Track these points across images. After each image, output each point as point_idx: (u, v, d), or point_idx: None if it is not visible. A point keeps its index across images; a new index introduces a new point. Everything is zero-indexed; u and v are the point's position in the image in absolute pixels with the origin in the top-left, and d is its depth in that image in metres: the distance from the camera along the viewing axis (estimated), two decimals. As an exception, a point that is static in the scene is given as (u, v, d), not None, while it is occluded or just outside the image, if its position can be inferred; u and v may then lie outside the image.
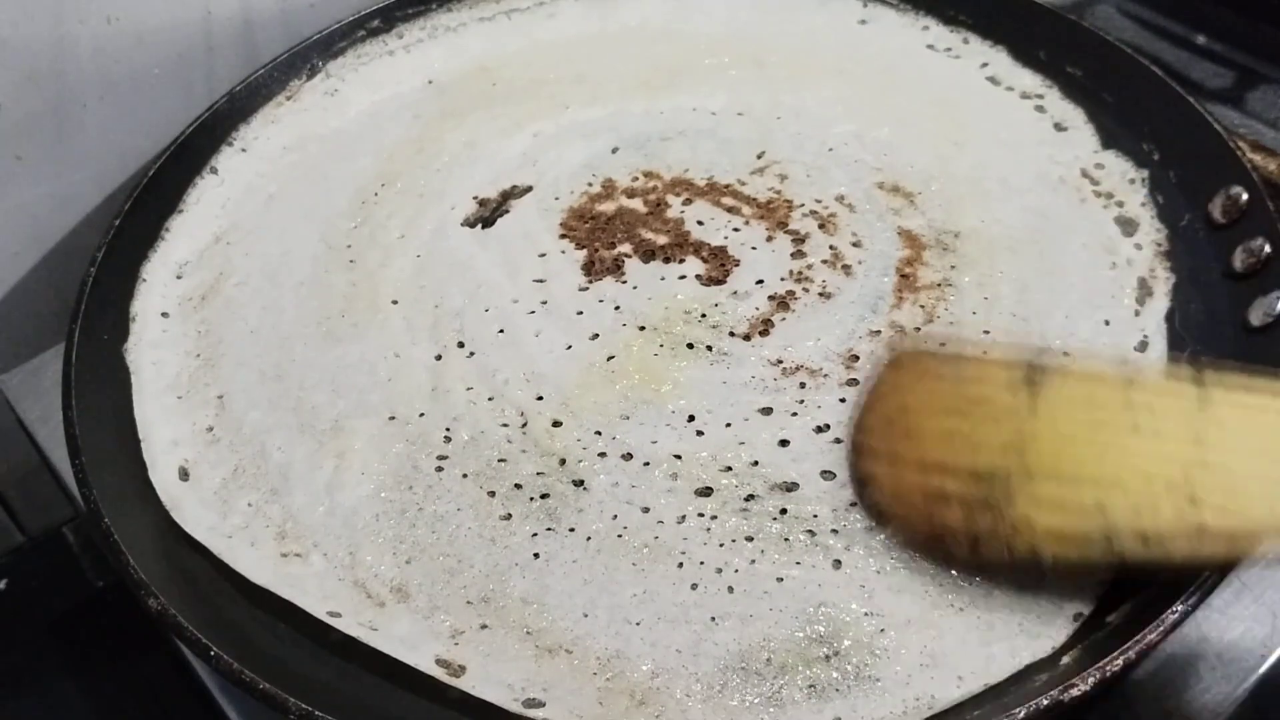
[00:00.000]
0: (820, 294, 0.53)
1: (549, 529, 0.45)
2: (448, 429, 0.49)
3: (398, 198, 0.59)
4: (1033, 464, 0.40)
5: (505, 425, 0.49)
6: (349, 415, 0.49)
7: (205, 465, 0.48)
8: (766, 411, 0.48)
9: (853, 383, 0.49)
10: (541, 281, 0.54)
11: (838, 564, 0.43)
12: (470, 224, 0.57)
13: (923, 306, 0.52)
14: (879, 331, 0.51)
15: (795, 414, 0.48)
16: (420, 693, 0.41)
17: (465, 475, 0.47)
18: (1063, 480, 0.40)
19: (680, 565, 0.44)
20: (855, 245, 0.55)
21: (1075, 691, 0.37)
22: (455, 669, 0.41)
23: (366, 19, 0.66)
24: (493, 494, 0.46)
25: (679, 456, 0.47)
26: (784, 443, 0.47)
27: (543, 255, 0.55)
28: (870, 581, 0.43)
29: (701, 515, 0.45)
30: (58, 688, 0.54)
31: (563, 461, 0.47)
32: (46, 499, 0.59)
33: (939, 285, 0.53)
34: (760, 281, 0.53)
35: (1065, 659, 0.40)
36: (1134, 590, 0.41)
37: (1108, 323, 0.51)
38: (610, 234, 0.56)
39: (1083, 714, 0.43)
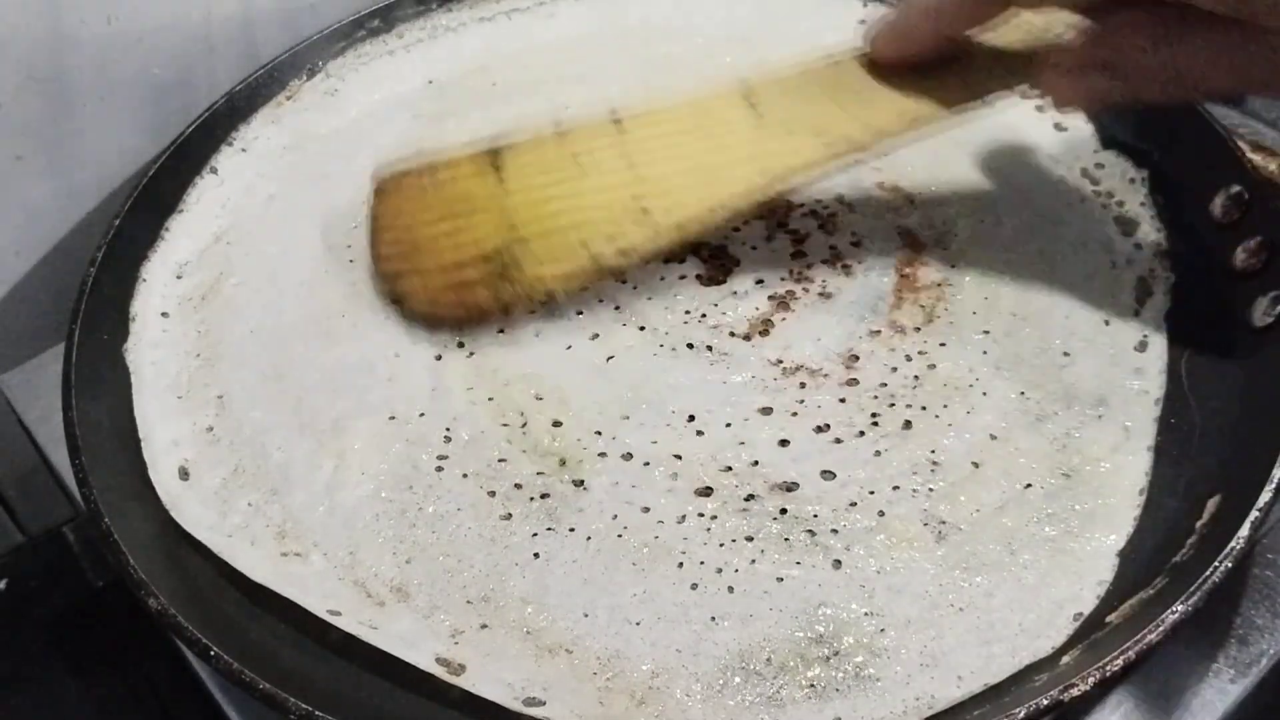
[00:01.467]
0: (820, 294, 0.53)
1: (549, 529, 0.45)
2: (448, 429, 0.49)
3: (398, 198, 0.59)
4: (523, 231, 0.49)
5: (505, 425, 0.49)
6: (349, 415, 0.49)
7: (205, 465, 0.48)
8: (766, 411, 0.48)
9: (853, 383, 0.49)
10: (541, 281, 0.54)
11: (838, 564, 0.43)
12: (470, 224, 0.57)
13: (923, 306, 0.52)
14: (879, 331, 0.51)
15: (795, 414, 0.48)
16: (420, 693, 0.41)
17: (465, 475, 0.47)
18: (549, 235, 0.48)
19: (680, 565, 0.44)
20: (855, 245, 0.55)
21: (1075, 691, 0.37)
22: (455, 667, 0.41)
23: (366, 19, 0.66)
24: (493, 494, 0.46)
25: (679, 456, 0.47)
26: (784, 443, 0.47)
27: (543, 255, 0.55)
28: (870, 581, 0.43)
29: (701, 515, 0.45)
30: (58, 688, 0.54)
31: (563, 461, 0.47)
32: (46, 499, 0.59)
33: (939, 285, 0.53)
34: (760, 281, 0.53)
35: (1065, 659, 0.40)
36: (1134, 590, 0.41)
37: (1108, 323, 0.51)
38: (610, 234, 0.56)
39: (1083, 714, 0.43)
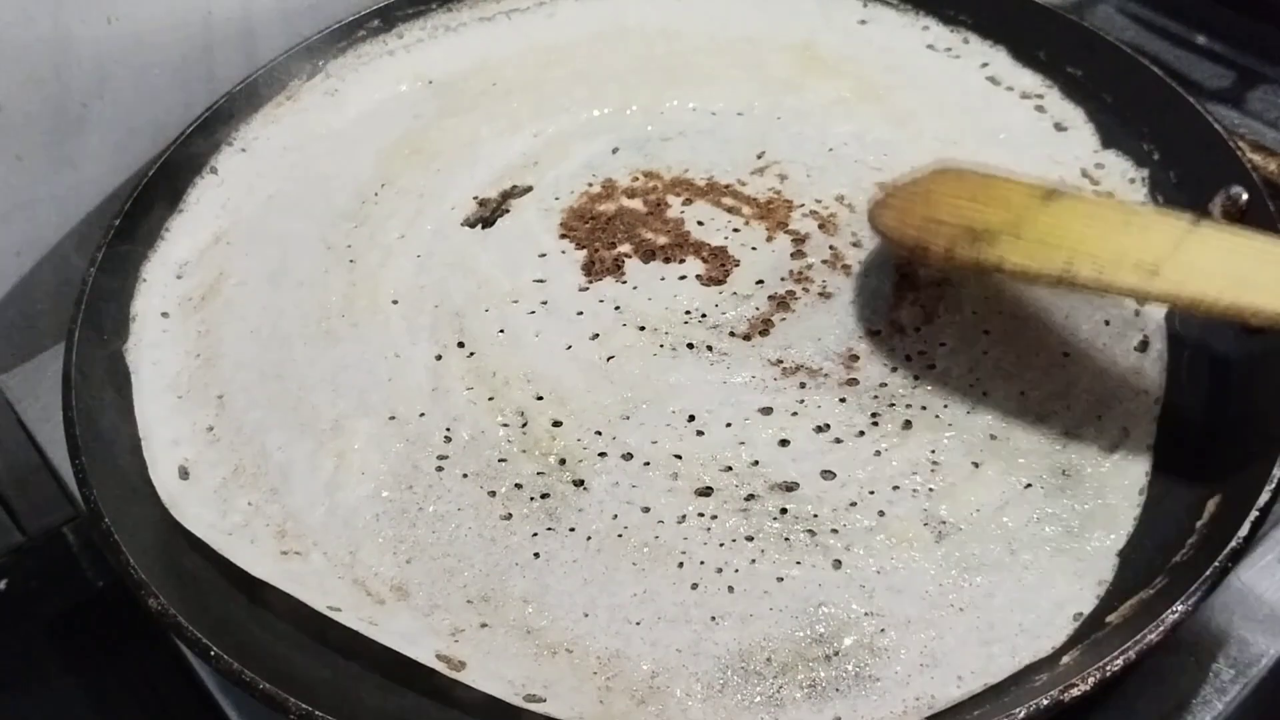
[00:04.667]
0: (820, 294, 0.53)
1: (549, 529, 0.45)
2: (448, 429, 0.49)
3: (398, 198, 0.59)
4: (1024, 233, 0.47)
5: (505, 425, 0.49)
6: (349, 415, 0.49)
7: (205, 465, 0.48)
8: (766, 411, 0.48)
9: (853, 383, 0.49)
10: (541, 281, 0.54)
11: (838, 564, 0.43)
12: (470, 224, 0.58)
13: (923, 306, 0.52)
14: (879, 331, 0.51)
15: (795, 414, 0.48)
16: (420, 693, 0.41)
17: (465, 475, 0.47)
18: (1044, 244, 0.46)
19: (680, 565, 0.44)
20: (855, 245, 0.55)
21: (1075, 691, 0.37)
22: (455, 664, 0.41)
23: (366, 19, 0.66)
24: (493, 494, 0.46)
25: (679, 456, 0.47)
26: (784, 443, 0.47)
27: (543, 255, 0.55)
28: (870, 581, 0.43)
29: (701, 515, 0.45)
30: (58, 688, 0.54)
31: (563, 461, 0.47)
32: (46, 499, 0.59)
33: (939, 285, 0.53)
34: (760, 281, 0.53)
35: (1065, 659, 0.40)
36: (1134, 590, 0.41)
37: (1107, 322, 0.51)
38: (610, 234, 0.56)
39: (1083, 714, 0.43)
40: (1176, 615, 0.38)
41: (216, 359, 0.52)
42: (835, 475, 0.46)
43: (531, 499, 0.46)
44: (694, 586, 0.43)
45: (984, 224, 0.48)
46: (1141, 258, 0.45)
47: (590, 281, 0.54)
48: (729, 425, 0.48)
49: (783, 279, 0.53)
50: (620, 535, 0.45)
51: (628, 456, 0.47)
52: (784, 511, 0.45)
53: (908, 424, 0.48)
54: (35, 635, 0.56)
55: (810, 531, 0.44)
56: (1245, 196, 0.51)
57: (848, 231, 0.55)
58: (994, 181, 0.51)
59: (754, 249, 0.55)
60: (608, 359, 0.51)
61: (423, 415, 0.49)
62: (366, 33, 0.66)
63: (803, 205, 0.57)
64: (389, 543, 0.45)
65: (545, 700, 0.40)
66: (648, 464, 0.47)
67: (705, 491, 0.46)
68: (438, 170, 0.60)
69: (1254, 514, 0.40)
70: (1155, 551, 0.43)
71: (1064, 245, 0.46)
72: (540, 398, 0.49)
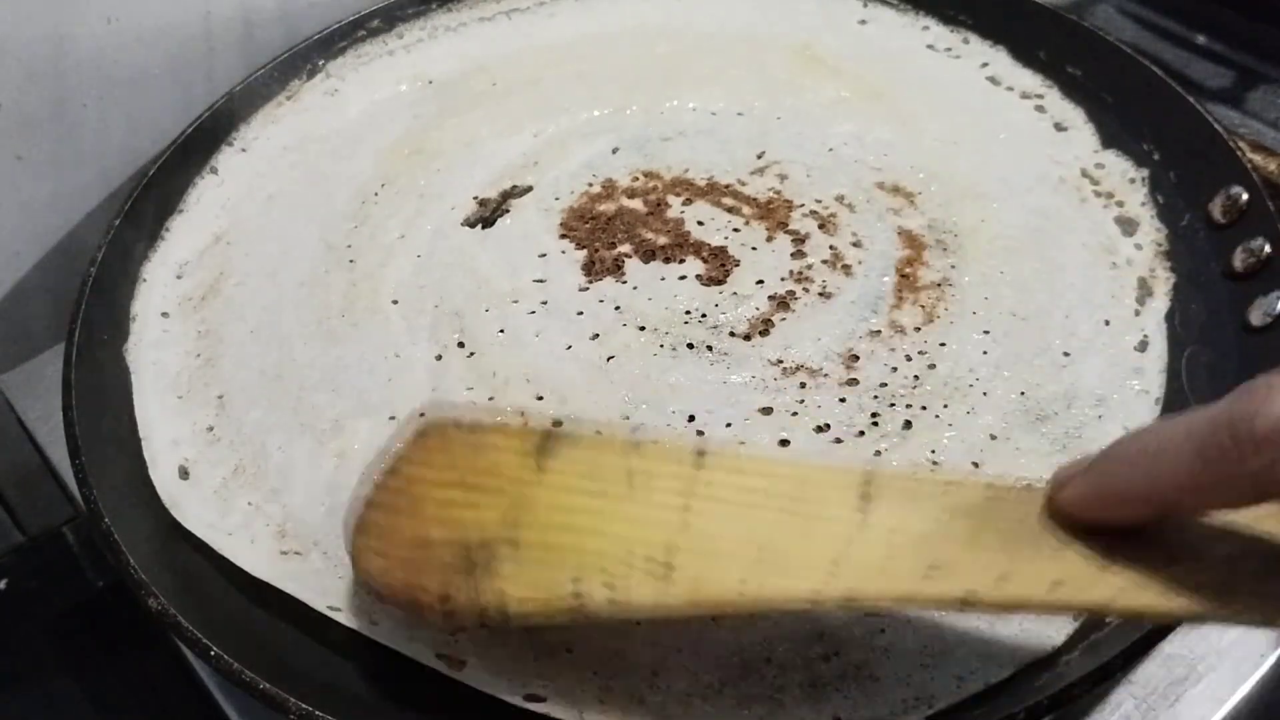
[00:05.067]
0: (820, 294, 0.53)
1: (549, 529, 0.45)
2: (448, 429, 0.49)
3: (398, 198, 0.59)
4: (521, 537, 0.38)
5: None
6: (349, 415, 0.49)
7: (205, 464, 0.48)
8: (766, 411, 0.48)
9: (853, 383, 0.49)
10: (541, 281, 0.54)
11: (838, 564, 0.43)
12: (470, 224, 0.58)
13: (923, 306, 0.52)
14: (879, 331, 0.51)
15: (795, 414, 0.48)
16: (420, 693, 0.41)
17: (465, 475, 0.47)
18: (545, 558, 0.38)
19: (680, 565, 0.44)
20: (855, 245, 0.55)
21: (1075, 691, 0.37)
22: (455, 663, 0.41)
23: (366, 19, 0.66)
24: (493, 494, 0.46)
25: (679, 456, 0.47)
26: (784, 443, 0.47)
27: (543, 255, 0.55)
28: (870, 581, 0.43)
29: (701, 515, 0.45)
30: (58, 688, 0.54)
31: (563, 461, 0.47)
32: (46, 499, 0.59)
33: (939, 285, 0.53)
34: (760, 281, 0.53)
35: (1065, 659, 0.40)
36: (1134, 590, 0.41)
37: (1108, 323, 0.51)
38: (610, 234, 0.56)
39: (1083, 714, 0.43)
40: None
41: (216, 359, 0.52)
42: (835, 475, 0.46)
43: (531, 499, 0.46)
44: (694, 586, 0.43)
45: (478, 535, 0.38)
46: (650, 542, 0.37)
47: (590, 281, 0.54)
48: (729, 425, 0.48)
49: (783, 279, 0.53)
50: (620, 535, 0.45)
51: (628, 456, 0.47)
52: (784, 511, 0.45)
53: (908, 424, 0.48)
54: (35, 635, 0.56)
55: (810, 531, 0.44)
56: (1245, 196, 0.51)
57: (848, 231, 0.55)
58: (484, 441, 0.40)
59: (754, 249, 0.55)
60: (608, 359, 0.51)
61: (422, 415, 0.49)
62: (366, 33, 0.66)
63: (803, 205, 0.57)
64: (389, 543, 0.45)
65: (545, 700, 0.40)
66: (648, 464, 0.47)
67: (705, 491, 0.46)
68: (438, 170, 0.60)
69: (1254, 514, 0.40)
70: (1155, 551, 0.43)
71: (566, 551, 0.37)
72: (540, 398, 0.49)
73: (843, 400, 0.49)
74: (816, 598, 0.35)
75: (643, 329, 0.52)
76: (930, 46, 0.65)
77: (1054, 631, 0.41)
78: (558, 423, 0.40)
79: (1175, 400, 0.48)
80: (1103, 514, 0.33)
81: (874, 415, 0.48)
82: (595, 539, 0.38)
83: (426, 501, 0.40)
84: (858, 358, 0.50)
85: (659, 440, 0.39)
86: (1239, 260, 0.50)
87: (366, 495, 0.40)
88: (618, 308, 0.53)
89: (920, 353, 0.50)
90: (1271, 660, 0.44)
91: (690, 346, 0.51)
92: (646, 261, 0.54)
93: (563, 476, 0.39)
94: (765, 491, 0.38)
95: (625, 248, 0.55)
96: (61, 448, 0.47)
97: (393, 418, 0.49)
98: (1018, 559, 0.34)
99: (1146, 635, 0.38)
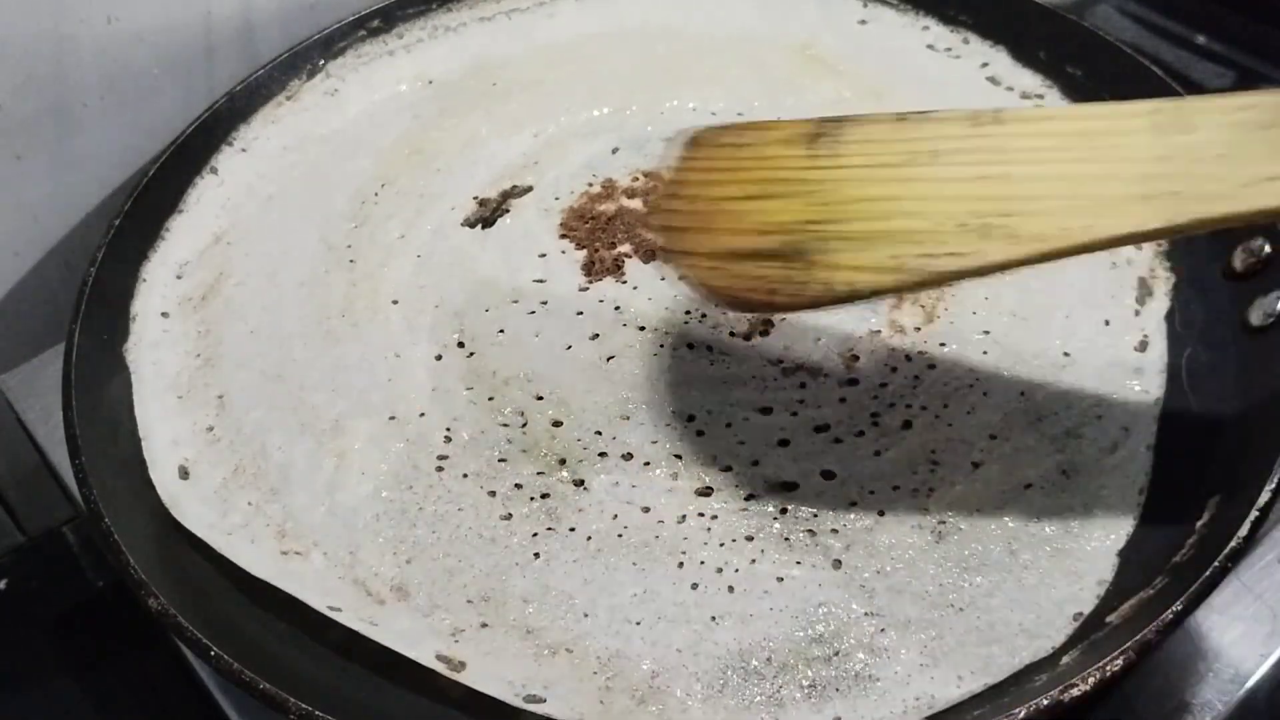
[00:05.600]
0: (820, 294, 0.53)
1: (549, 529, 0.45)
2: (448, 429, 0.49)
3: (398, 198, 0.59)
4: (829, 226, 0.40)
5: (505, 425, 0.49)
6: (349, 415, 0.49)
7: (205, 464, 0.48)
8: (766, 411, 0.48)
9: (853, 382, 0.49)
10: (541, 281, 0.54)
11: (838, 564, 0.43)
12: (470, 224, 0.58)
13: (923, 306, 0.52)
14: (879, 331, 0.51)
15: (795, 414, 0.48)
16: (420, 693, 0.41)
17: (465, 475, 0.47)
18: (860, 239, 0.40)
19: (680, 565, 0.44)
20: (855, 245, 0.55)
21: (1075, 691, 0.37)
22: (456, 664, 0.41)
23: (366, 19, 0.66)
24: (493, 494, 0.46)
25: (679, 456, 0.47)
26: (784, 442, 0.47)
27: (543, 255, 0.55)
28: (870, 581, 0.43)
29: (701, 515, 0.45)
30: (58, 688, 0.54)
31: (563, 461, 0.47)
32: (46, 499, 0.59)
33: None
34: (760, 281, 0.53)
35: (1065, 659, 0.40)
36: (1134, 590, 0.41)
37: (1108, 323, 0.51)
38: (610, 234, 0.56)
39: (1083, 714, 0.43)
40: (1176, 615, 0.38)
41: (216, 359, 0.52)
42: (835, 475, 0.46)
43: (531, 499, 0.46)
44: (694, 586, 0.43)
45: (782, 231, 0.41)
46: (961, 208, 0.38)
47: (590, 281, 0.54)
48: (729, 425, 0.48)
49: (783, 279, 0.53)
50: (620, 535, 0.45)
51: (628, 456, 0.47)
52: (784, 511, 0.45)
53: (908, 424, 0.48)
54: (35, 635, 0.56)
55: (810, 531, 0.44)
56: (1245, 196, 0.51)
57: (848, 231, 0.55)
58: (754, 139, 0.43)
59: (754, 249, 0.55)
60: (608, 359, 0.51)
61: (423, 415, 0.49)
62: (366, 33, 0.66)
63: (803, 205, 0.56)
64: (389, 543, 0.45)
65: (545, 700, 0.40)
66: (648, 464, 0.47)
67: (705, 491, 0.46)
68: (438, 170, 0.60)
69: (1254, 514, 0.40)
70: (1155, 551, 0.43)
71: (877, 230, 0.39)
72: (540, 398, 0.49)
73: (843, 400, 0.49)
74: (1139, 229, 0.35)
75: (643, 329, 0.52)
76: (930, 46, 0.65)
77: (1054, 631, 0.41)
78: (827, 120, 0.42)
79: (1175, 400, 0.48)
80: None
81: (874, 415, 0.48)
82: (903, 214, 0.39)
83: (719, 215, 0.43)
84: (858, 358, 0.50)
85: (929, 112, 0.41)
86: (1239, 260, 0.50)
87: (657, 221, 0.46)
88: (618, 308, 0.53)
89: (920, 353, 0.50)
90: (1272, 660, 0.44)
91: (690, 346, 0.51)
92: (646, 261, 0.54)
93: (847, 160, 0.41)
94: (1055, 137, 0.38)
95: (625, 248, 0.55)
96: (61, 448, 0.47)
97: (393, 418, 0.49)
98: None
99: (1146, 635, 0.38)
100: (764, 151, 0.43)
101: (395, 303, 0.54)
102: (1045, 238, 0.37)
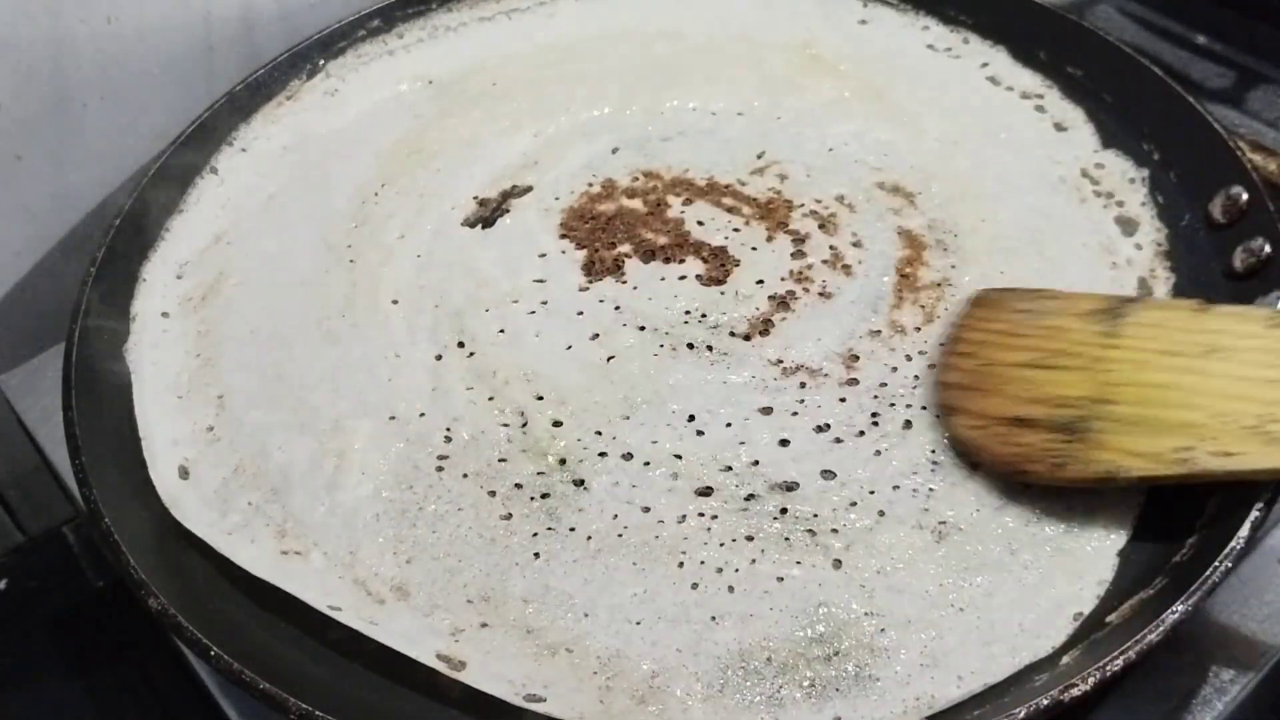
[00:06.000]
0: (820, 294, 0.53)
1: (549, 529, 0.45)
2: (448, 429, 0.49)
3: (398, 198, 0.59)
4: (1116, 400, 0.42)
5: (505, 425, 0.49)
6: (349, 415, 0.49)
7: (205, 464, 0.48)
8: (766, 411, 0.48)
9: (853, 383, 0.49)
10: (541, 281, 0.54)
11: (838, 564, 0.43)
12: (470, 224, 0.58)
13: (923, 306, 0.52)
14: (879, 331, 0.51)
15: (795, 414, 0.48)
16: (420, 693, 0.41)
17: (465, 475, 0.47)
18: (1146, 424, 0.41)
19: (680, 565, 0.44)
20: (855, 245, 0.55)
21: (1075, 691, 0.37)
22: (456, 664, 0.41)
23: (366, 19, 0.66)
24: (493, 494, 0.46)
25: (679, 456, 0.47)
26: (784, 443, 0.47)
27: (543, 255, 0.55)
28: (870, 581, 0.43)
29: (702, 515, 0.45)
30: (58, 687, 0.54)
31: (563, 461, 0.47)
32: (46, 499, 0.59)
33: (939, 285, 0.53)
34: (760, 282, 0.53)
35: (1065, 659, 0.40)
36: (1134, 590, 0.41)
37: (1108, 323, 0.51)
38: (610, 234, 0.56)
39: (1083, 714, 0.43)
40: (1176, 615, 0.38)
41: (216, 359, 0.52)
42: (835, 475, 0.46)
43: (532, 499, 0.46)
44: (694, 586, 0.43)
45: (1069, 406, 0.43)
46: (1245, 408, 0.39)
47: (590, 281, 0.54)
48: (729, 425, 0.48)
49: (783, 279, 0.53)
50: (620, 535, 0.45)
51: (628, 456, 0.47)
52: (784, 511, 0.45)
53: (908, 424, 0.48)
54: (35, 635, 0.56)
55: (810, 531, 0.44)
56: (1245, 196, 0.51)
57: (848, 231, 0.55)
58: (1046, 319, 0.45)
59: (754, 249, 0.55)
60: (608, 359, 0.51)
61: (423, 415, 0.49)
62: (366, 33, 0.66)
63: (803, 205, 0.57)
64: (389, 543, 0.45)
65: (545, 700, 0.40)
66: (648, 464, 0.47)
67: (705, 491, 0.46)
68: (438, 170, 0.60)
69: (1254, 514, 0.40)
70: (1155, 551, 0.43)
71: (1166, 418, 0.41)
72: (540, 398, 0.49)
73: (843, 400, 0.49)
74: None
75: (643, 329, 0.52)
76: (930, 46, 0.65)
77: (1054, 631, 0.41)
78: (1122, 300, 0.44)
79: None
80: None
81: (874, 415, 0.48)
82: (1188, 406, 0.40)
83: (1008, 381, 0.45)
84: (858, 358, 0.50)
85: (1231, 307, 0.43)
86: (1239, 260, 0.50)
87: (943, 377, 0.47)
88: (618, 308, 0.53)
89: (920, 353, 0.50)
90: (1272, 660, 0.44)
91: (690, 346, 0.51)
92: (646, 261, 0.54)
93: (1141, 343, 0.43)
94: None
95: (625, 248, 0.55)
96: (61, 448, 0.47)
97: (393, 418, 0.49)
98: None
99: (1146, 635, 0.38)
100: (1059, 323, 0.45)
101: (395, 303, 0.54)
102: None
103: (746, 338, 0.51)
